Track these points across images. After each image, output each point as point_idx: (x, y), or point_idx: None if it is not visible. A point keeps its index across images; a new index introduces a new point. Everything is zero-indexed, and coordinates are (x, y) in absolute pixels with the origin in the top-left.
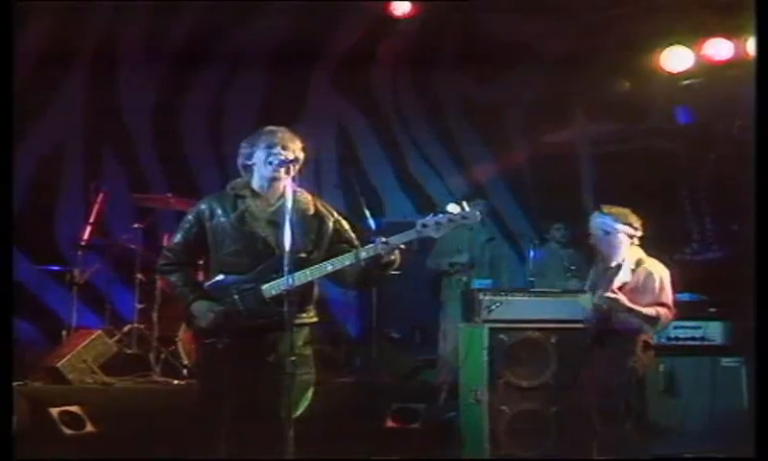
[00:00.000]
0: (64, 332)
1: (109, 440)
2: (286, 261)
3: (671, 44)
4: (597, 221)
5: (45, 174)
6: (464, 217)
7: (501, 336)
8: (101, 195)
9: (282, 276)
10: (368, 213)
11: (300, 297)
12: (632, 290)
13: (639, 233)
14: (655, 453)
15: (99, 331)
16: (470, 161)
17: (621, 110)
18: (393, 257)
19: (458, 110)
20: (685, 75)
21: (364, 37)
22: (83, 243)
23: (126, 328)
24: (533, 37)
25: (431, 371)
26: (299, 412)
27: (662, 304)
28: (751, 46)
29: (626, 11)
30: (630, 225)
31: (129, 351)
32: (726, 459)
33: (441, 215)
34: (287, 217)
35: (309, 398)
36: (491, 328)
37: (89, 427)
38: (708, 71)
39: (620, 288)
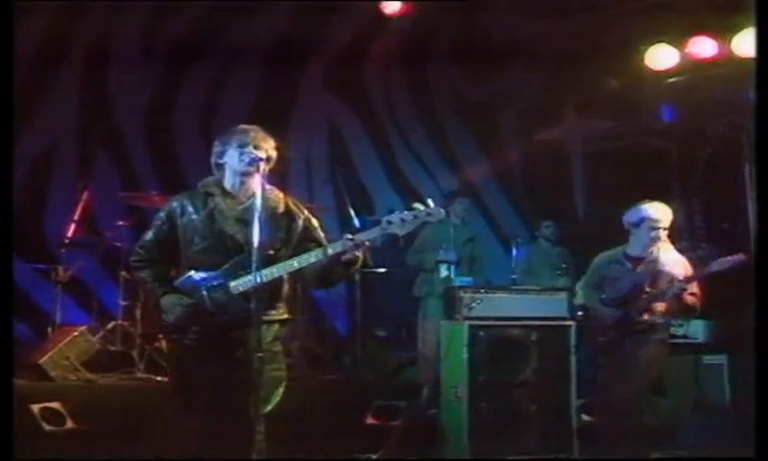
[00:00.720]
0: (50, 329)
1: (90, 436)
2: (254, 258)
3: (659, 42)
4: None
5: (37, 172)
6: (428, 214)
7: (481, 333)
8: (86, 193)
9: (250, 273)
10: (352, 212)
11: (269, 294)
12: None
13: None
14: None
15: (82, 328)
16: (462, 160)
17: (613, 109)
18: (357, 255)
19: (450, 109)
20: (672, 73)
21: (356, 36)
22: (66, 241)
23: (110, 325)
24: (525, 36)
25: (415, 368)
26: (269, 408)
27: (694, 294)
28: (736, 44)
29: (617, 10)
30: (662, 217)
31: (113, 348)
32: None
33: (405, 212)
34: (256, 215)
35: (281, 394)
36: (470, 326)
37: (70, 424)
38: (696, 69)
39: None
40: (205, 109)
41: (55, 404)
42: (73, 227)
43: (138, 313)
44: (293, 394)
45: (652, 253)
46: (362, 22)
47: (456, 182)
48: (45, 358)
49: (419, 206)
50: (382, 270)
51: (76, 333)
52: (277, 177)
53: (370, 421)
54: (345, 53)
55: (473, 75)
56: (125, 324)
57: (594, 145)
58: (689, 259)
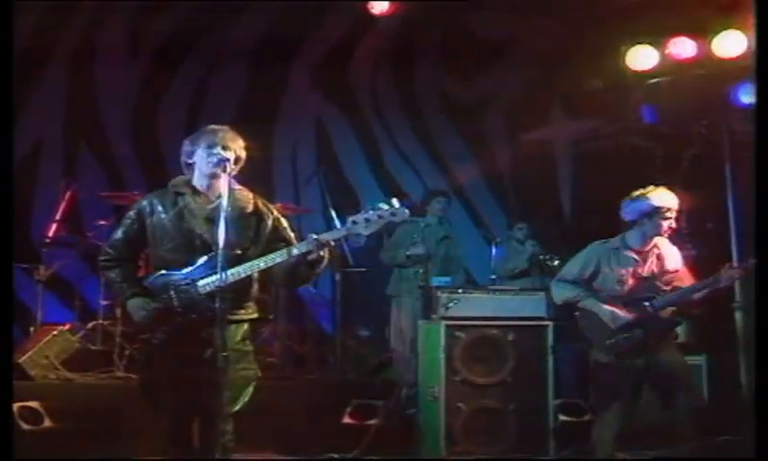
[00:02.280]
0: (32, 329)
1: (68, 435)
2: (219, 258)
3: (641, 43)
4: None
5: (22, 171)
6: (392, 214)
7: (458, 333)
8: (69, 192)
9: (217, 272)
10: (334, 213)
11: (237, 293)
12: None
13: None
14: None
15: (60, 328)
16: (449, 159)
17: (598, 109)
18: (321, 254)
19: (437, 108)
20: (654, 73)
21: (344, 35)
22: (47, 240)
23: (90, 325)
24: (513, 35)
25: (394, 368)
26: (237, 407)
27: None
28: (716, 45)
29: (600, 11)
30: (674, 205)
31: (93, 348)
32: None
33: (370, 212)
34: (222, 214)
35: (250, 393)
36: (447, 326)
37: (48, 423)
38: (678, 69)
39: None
40: (192, 108)
41: (33, 403)
42: (55, 226)
43: (119, 312)
44: (272, 393)
45: (655, 244)
46: (350, 22)
47: (443, 182)
48: (24, 357)
49: (383, 205)
50: (363, 269)
51: (55, 333)
52: (263, 176)
53: (347, 420)
54: (333, 52)
55: (461, 74)
56: (105, 323)
57: (580, 145)
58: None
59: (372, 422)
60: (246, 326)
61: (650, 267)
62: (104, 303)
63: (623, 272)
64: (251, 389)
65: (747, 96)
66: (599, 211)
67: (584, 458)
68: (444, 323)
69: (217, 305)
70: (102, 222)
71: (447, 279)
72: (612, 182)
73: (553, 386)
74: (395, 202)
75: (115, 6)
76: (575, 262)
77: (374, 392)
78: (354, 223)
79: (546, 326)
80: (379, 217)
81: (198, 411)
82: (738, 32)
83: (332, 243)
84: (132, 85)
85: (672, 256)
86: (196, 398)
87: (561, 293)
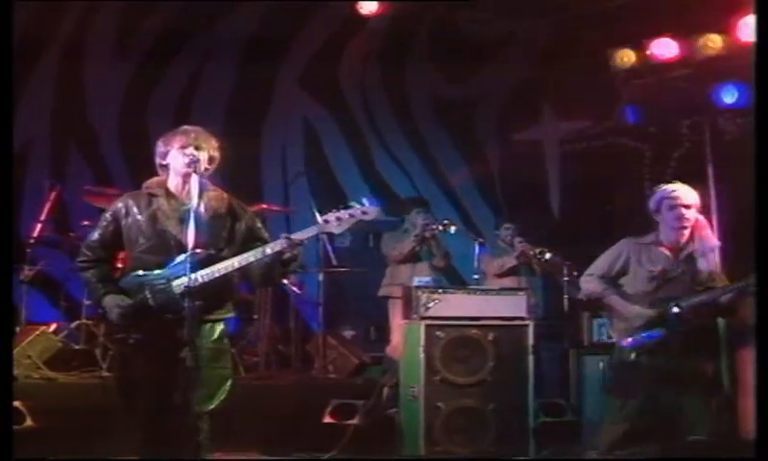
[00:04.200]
0: (17, 329)
1: (50, 434)
2: (190, 258)
3: (629, 44)
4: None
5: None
6: (364, 212)
7: (438, 333)
8: (54, 192)
9: (192, 271)
10: (317, 214)
11: (213, 293)
12: None
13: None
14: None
15: (42, 327)
16: (438, 159)
17: (587, 109)
18: (295, 253)
19: (425, 108)
20: (640, 73)
21: (332, 36)
22: (32, 240)
23: (74, 324)
24: (502, 36)
25: (380, 368)
26: (213, 406)
27: None
28: (699, 45)
29: (590, 12)
30: (683, 195)
31: (77, 347)
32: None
33: (342, 211)
34: (192, 214)
35: (227, 391)
36: (427, 325)
37: (29, 422)
38: (665, 70)
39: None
40: (180, 107)
41: (15, 403)
42: (39, 226)
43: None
44: (255, 393)
45: (690, 241)
46: (338, 22)
47: (432, 181)
48: None
49: (354, 204)
50: (347, 269)
51: (37, 332)
52: (251, 176)
53: (327, 420)
54: (321, 53)
55: (450, 75)
56: (89, 323)
57: (569, 145)
58: None
59: (353, 421)
60: (222, 324)
61: (682, 266)
62: (87, 302)
63: (653, 269)
64: (227, 387)
65: (729, 96)
66: (588, 210)
67: (564, 458)
68: (423, 323)
69: (186, 305)
70: (86, 222)
71: (428, 279)
72: (601, 182)
73: (533, 386)
74: (365, 201)
75: (104, 6)
76: (605, 257)
77: (356, 392)
78: (326, 222)
79: (527, 325)
80: (350, 216)
81: (171, 410)
82: (721, 33)
83: (305, 241)
84: (120, 85)
85: (706, 257)
86: (170, 397)
87: (587, 288)
